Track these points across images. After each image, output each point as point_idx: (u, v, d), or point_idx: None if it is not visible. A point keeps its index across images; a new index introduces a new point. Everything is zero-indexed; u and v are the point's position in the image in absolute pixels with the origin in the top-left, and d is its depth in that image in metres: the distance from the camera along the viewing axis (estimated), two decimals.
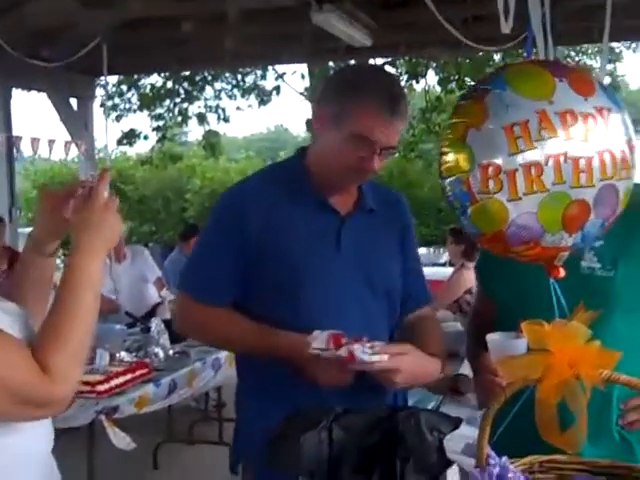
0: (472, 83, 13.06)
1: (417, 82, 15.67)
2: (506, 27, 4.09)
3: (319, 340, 1.81)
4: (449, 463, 1.35)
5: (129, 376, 3.84)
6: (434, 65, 14.65)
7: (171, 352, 4.24)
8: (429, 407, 3.73)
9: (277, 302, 1.96)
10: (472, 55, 12.56)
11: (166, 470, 4.94)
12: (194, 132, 16.98)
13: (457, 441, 2.58)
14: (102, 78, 8.79)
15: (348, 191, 2.07)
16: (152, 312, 5.84)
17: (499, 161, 1.58)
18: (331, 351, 1.79)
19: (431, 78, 15.54)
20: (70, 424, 3.66)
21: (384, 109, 1.89)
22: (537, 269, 1.77)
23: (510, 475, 1.57)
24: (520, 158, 1.57)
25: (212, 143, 16.00)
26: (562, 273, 1.73)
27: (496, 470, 1.57)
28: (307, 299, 1.95)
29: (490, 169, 1.58)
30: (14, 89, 8.57)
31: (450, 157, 1.64)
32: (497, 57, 14.08)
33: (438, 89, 15.44)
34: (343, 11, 6.33)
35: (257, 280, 1.98)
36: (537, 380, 1.56)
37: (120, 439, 3.60)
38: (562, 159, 1.58)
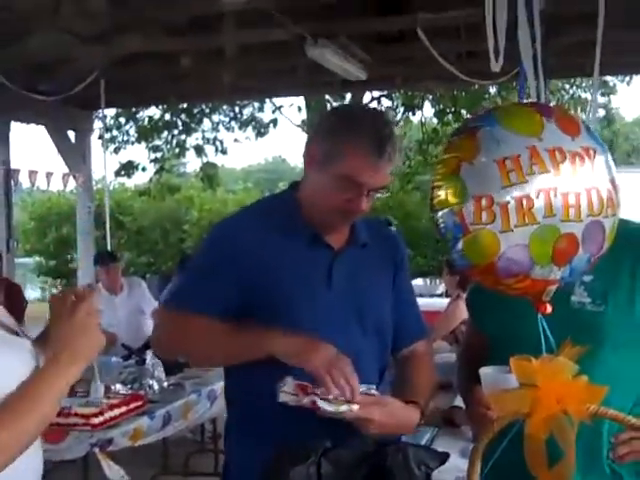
0: (468, 116, 13.27)
1: (414, 114, 15.81)
2: (496, 66, 4.15)
3: (288, 386, 1.80)
4: None
5: (124, 409, 3.84)
6: (430, 97, 14.77)
7: (166, 384, 4.24)
8: (424, 439, 3.73)
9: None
10: (468, 88, 12.67)
11: None
12: (192, 163, 17.10)
13: (451, 473, 2.59)
14: (100, 111, 8.85)
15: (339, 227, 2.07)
16: (148, 344, 5.83)
17: (492, 193, 1.61)
18: (298, 398, 1.77)
19: (428, 110, 15.68)
20: (64, 457, 3.67)
21: (372, 152, 1.89)
22: (527, 304, 1.79)
23: None
24: (512, 191, 1.61)
25: (210, 175, 16.11)
26: (549, 309, 1.75)
27: None
28: (296, 330, 1.91)
29: (483, 201, 1.61)
30: (13, 122, 8.64)
31: (442, 190, 1.68)
32: (493, 90, 14.24)
33: (435, 121, 15.56)
34: (338, 46, 6.41)
35: (247, 312, 1.96)
36: (526, 415, 1.59)
37: (114, 472, 3.60)
38: (552, 194, 1.62)
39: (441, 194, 1.68)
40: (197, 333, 1.97)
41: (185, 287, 2.08)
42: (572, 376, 1.58)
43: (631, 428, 1.65)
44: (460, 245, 1.66)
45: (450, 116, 14.60)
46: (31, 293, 20.71)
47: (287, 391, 1.78)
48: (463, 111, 14.28)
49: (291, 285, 1.97)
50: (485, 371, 1.90)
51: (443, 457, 1.44)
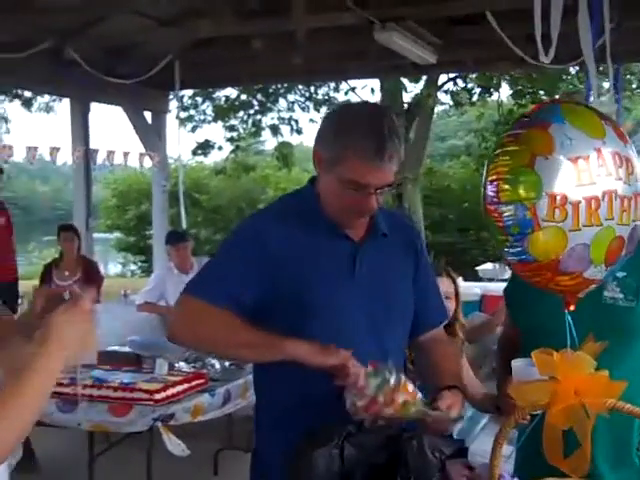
0: (544, 98, 12.96)
1: (489, 95, 15.64)
2: (545, 58, 4.10)
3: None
4: None
5: (186, 386, 3.99)
6: (508, 78, 14.56)
7: (227, 364, 4.36)
8: (479, 425, 3.77)
9: (294, 327, 1.98)
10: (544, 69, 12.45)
11: (225, 476, 5.09)
12: (270, 142, 17.22)
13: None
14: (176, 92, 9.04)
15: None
16: None
17: (566, 191, 1.64)
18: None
19: (506, 90, 15.47)
20: (129, 429, 3.86)
21: (372, 155, 1.92)
22: (559, 300, 1.83)
23: None
24: (584, 191, 1.65)
25: (285, 154, 16.22)
26: (572, 307, 1.79)
27: None
28: (323, 325, 2.00)
29: (558, 198, 1.64)
30: (92, 103, 8.90)
31: (513, 183, 1.67)
32: (573, 70, 13.95)
33: (512, 102, 15.36)
34: (406, 30, 6.42)
35: (273, 301, 2.02)
36: (545, 406, 1.64)
37: (175, 445, 3.76)
38: (614, 196, 1.67)
39: (511, 187, 1.68)
40: (216, 325, 1.98)
41: (209, 276, 2.08)
42: (591, 371, 1.63)
43: None
44: (526, 240, 1.68)
45: (527, 97, 14.38)
46: (111, 268, 21.34)
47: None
48: (541, 92, 14.10)
49: (314, 277, 2.03)
50: (516, 363, 1.96)
51: (458, 444, 1.51)
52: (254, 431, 2.21)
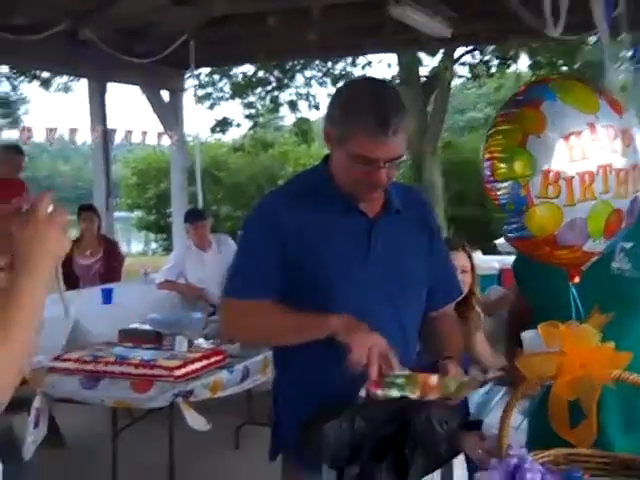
0: (564, 68, 12.81)
1: (507, 67, 15.53)
2: (554, 31, 4.08)
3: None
4: (457, 453, 1.47)
5: (205, 362, 4.05)
6: (526, 49, 14.44)
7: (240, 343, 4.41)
8: (494, 400, 3.80)
9: (313, 303, 2.04)
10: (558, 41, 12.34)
11: (246, 450, 5.16)
12: (288, 118, 17.22)
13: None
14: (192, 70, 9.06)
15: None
16: None
17: (559, 168, 1.67)
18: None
19: (525, 61, 15.35)
20: (150, 405, 3.94)
21: (376, 130, 1.96)
22: (565, 274, 1.86)
23: (527, 466, 1.68)
24: (577, 166, 1.68)
25: (304, 130, 16.23)
26: (577, 279, 1.82)
27: (514, 461, 1.69)
28: (341, 300, 2.05)
29: (550, 175, 1.67)
30: (108, 83, 8.94)
31: (507, 162, 1.71)
32: (591, 39, 13.80)
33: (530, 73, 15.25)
34: (420, 3, 6.40)
35: (294, 282, 2.09)
36: (551, 377, 1.67)
37: (196, 420, 3.83)
38: (608, 170, 1.69)
39: (505, 166, 1.71)
40: (259, 319, 2.11)
41: (238, 273, 2.18)
42: (597, 342, 1.66)
43: None
44: (522, 217, 1.72)
45: (546, 69, 14.26)
46: (134, 247, 21.49)
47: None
48: (560, 62, 13.98)
49: (331, 255, 2.08)
50: (527, 334, 1.98)
51: (462, 416, 1.55)
52: (272, 406, 2.28)
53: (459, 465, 1.48)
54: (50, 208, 1.48)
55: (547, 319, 1.78)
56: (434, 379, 1.81)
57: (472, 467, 1.77)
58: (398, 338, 2.08)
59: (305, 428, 1.58)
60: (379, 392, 1.71)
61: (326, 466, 1.50)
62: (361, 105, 2.00)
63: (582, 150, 1.66)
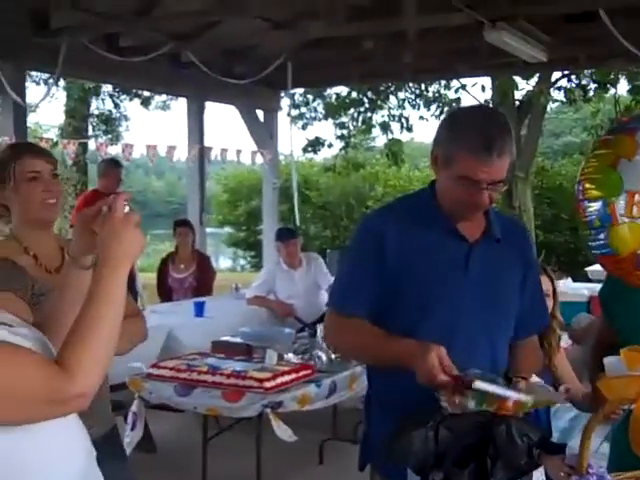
0: None
1: (605, 92, 15.29)
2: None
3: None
4: (537, 466, 1.54)
5: (294, 375, 4.16)
6: (625, 73, 14.22)
7: (333, 356, 4.51)
8: (581, 425, 3.78)
9: (406, 322, 2.15)
10: None
11: (330, 466, 5.23)
12: (380, 139, 17.32)
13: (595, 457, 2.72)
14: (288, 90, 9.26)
15: (475, 220, 2.23)
16: (321, 318, 6.15)
17: None
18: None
19: (623, 86, 15.10)
20: (240, 414, 4.08)
21: (481, 151, 2.05)
22: None
23: None
24: None
25: (394, 151, 16.27)
26: None
27: (593, 479, 1.74)
28: (434, 322, 2.14)
29: (636, 196, 1.78)
30: (206, 102, 9.23)
31: (597, 182, 1.85)
32: None
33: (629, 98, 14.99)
34: (516, 28, 6.42)
35: (393, 299, 2.18)
36: (633, 400, 1.72)
37: (283, 431, 3.94)
38: None
39: (594, 186, 1.85)
40: (351, 337, 2.25)
41: (341, 288, 2.32)
42: None
43: None
44: (606, 234, 1.83)
45: None
46: (222, 263, 21.87)
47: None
48: None
49: (430, 276, 2.18)
50: (609, 360, 2.03)
51: (543, 431, 1.61)
52: (364, 419, 2.39)
53: (539, 477, 1.54)
54: (126, 209, 1.60)
55: (631, 343, 1.83)
56: (510, 404, 1.83)
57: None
58: (488, 363, 2.15)
59: (393, 436, 1.66)
60: (456, 400, 1.79)
61: (411, 471, 1.58)
62: (468, 127, 2.11)
63: None
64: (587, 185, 1.85)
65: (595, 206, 1.83)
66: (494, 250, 2.24)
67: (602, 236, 1.84)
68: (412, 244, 2.18)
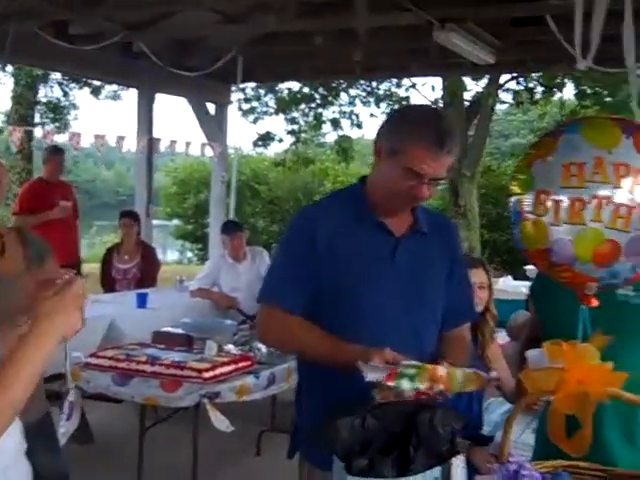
0: (608, 99, 12.80)
1: (552, 95, 15.57)
2: (582, 63, 4.18)
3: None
4: (457, 452, 1.60)
5: (233, 366, 4.19)
6: (571, 77, 14.48)
7: (272, 348, 4.54)
8: (502, 410, 3.88)
9: (336, 312, 2.21)
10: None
11: (267, 457, 5.27)
12: (331, 135, 17.39)
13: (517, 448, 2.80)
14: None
15: (403, 215, 2.30)
16: None
17: (551, 190, 1.87)
18: (381, 371, 1.95)
19: (569, 90, 15.40)
20: (178, 404, 4.09)
21: (432, 145, 2.12)
22: (575, 295, 1.99)
23: (525, 472, 1.80)
24: (568, 192, 1.85)
25: (344, 148, 16.38)
26: (595, 303, 1.94)
27: (513, 467, 1.81)
28: (366, 313, 2.21)
29: (542, 195, 1.87)
30: (157, 94, 9.17)
31: (515, 180, 1.96)
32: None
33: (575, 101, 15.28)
34: (465, 30, 6.51)
35: (324, 295, 2.24)
36: (551, 392, 1.79)
37: (220, 422, 3.96)
38: (605, 202, 1.84)
39: (514, 183, 1.96)
40: (282, 330, 2.29)
41: (273, 281, 2.36)
42: (597, 361, 1.77)
43: None
44: (518, 229, 1.93)
45: (591, 98, 14.28)
46: (170, 255, 21.74)
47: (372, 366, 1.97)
48: (605, 92, 13.97)
49: (357, 266, 2.23)
50: (531, 353, 2.10)
51: (465, 419, 1.67)
52: (295, 410, 2.43)
53: (458, 463, 1.60)
54: (80, 291, 1.63)
55: (554, 337, 1.90)
56: (442, 370, 1.94)
57: (471, 468, 1.89)
58: (416, 356, 2.21)
59: (321, 424, 1.70)
60: (391, 384, 1.84)
61: (337, 458, 1.63)
62: (421, 121, 2.18)
63: (579, 179, 1.81)
64: (511, 182, 1.97)
65: (512, 202, 1.94)
66: (421, 244, 2.31)
67: (516, 231, 1.95)
68: (341, 240, 2.23)
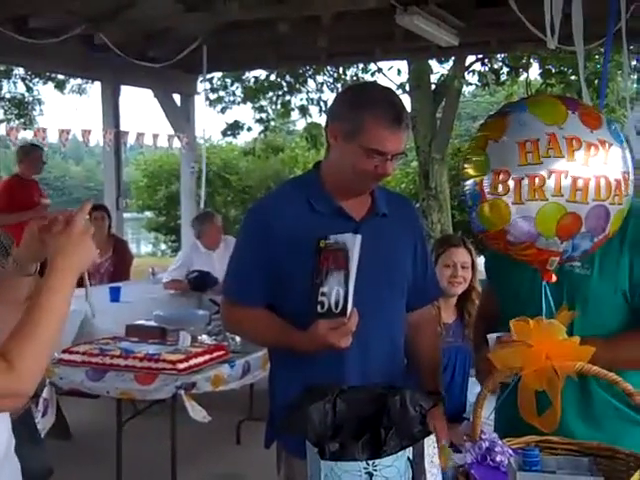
0: (573, 77, 12.87)
1: (517, 75, 15.62)
2: (551, 43, 4.22)
3: None
4: (428, 433, 1.61)
5: (207, 357, 4.19)
6: (537, 57, 14.53)
7: None
8: (477, 390, 3.93)
9: (299, 300, 2.19)
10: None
11: (247, 445, 5.29)
12: (300, 122, 17.35)
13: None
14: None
15: (361, 198, 2.30)
16: None
17: (509, 169, 1.88)
18: None
19: (535, 70, 15.44)
20: (153, 397, 4.09)
21: (390, 122, 2.14)
22: (534, 271, 2.02)
23: (497, 449, 1.83)
24: (527, 169, 1.88)
25: (314, 135, 16.33)
26: (554, 278, 1.96)
27: (485, 444, 1.83)
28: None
29: (501, 175, 1.89)
30: (122, 86, 9.11)
31: (470, 163, 1.97)
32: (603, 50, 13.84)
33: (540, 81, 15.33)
34: (428, 12, 6.52)
35: (284, 284, 2.25)
36: (519, 369, 1.81)
37: (197, 412, 3.97)
38: (563, 176, 1.87)
39: (468, 166, 1.97)
40: (249, 327, 2.37)
41: (231, 277, 2.39)
42: (563, 336, 1.80)
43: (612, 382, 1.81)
44: (477, 211, 1.94)
45: (556, 77, 14.34)
46: (143, 248, 21.64)
47: None
48: (569, 71, 14.05)
49: None
50: (492, 336, 2.14)
51: (434, 400, 1.68)
52: (269, 393, 2.43)
53: (430, 444, 1.61)
54: (84, 222, 1.63)
55: (512, 313, 1.94)
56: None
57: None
58: (386, 339, 2.22)
59: (291, 410, 1.71)
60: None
61: (309, 444, 1.63)
62: (374, 100, 2.18)
63: (535, 155, 1.83)
64: (464, 165, 1.98)
65: (468, 185, 1.94)
66: (382, 226, 2.31)
67: (474, 214, 1.95)
68: (299, 228, 2.23)
